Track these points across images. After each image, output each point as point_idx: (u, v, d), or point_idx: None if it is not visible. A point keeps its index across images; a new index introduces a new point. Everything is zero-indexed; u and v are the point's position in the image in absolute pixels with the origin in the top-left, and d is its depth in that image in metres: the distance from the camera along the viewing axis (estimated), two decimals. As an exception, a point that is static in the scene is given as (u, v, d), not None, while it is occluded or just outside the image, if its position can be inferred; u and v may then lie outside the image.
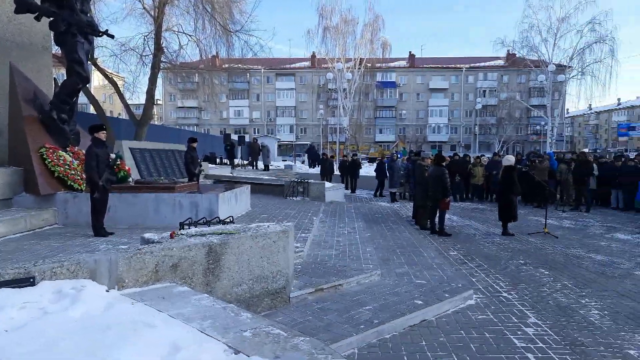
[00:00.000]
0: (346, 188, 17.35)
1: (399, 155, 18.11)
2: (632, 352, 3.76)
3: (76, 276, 2.93)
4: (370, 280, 5.40)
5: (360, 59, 37.87)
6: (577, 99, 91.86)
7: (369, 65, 39.16)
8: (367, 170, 24.95)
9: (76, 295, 2.63)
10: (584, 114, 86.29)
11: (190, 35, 18.79)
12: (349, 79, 33.87)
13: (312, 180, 14.33)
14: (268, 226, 4.55)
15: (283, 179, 14.73)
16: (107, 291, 2.89)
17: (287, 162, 32.62)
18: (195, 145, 10.96)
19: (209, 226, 5.05)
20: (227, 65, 22.64)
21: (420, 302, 4.66)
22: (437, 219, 9.18)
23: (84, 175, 7.77)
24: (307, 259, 6.13)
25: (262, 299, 4.19)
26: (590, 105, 54.34)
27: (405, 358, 3.58)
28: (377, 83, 53.90)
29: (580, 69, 31.84)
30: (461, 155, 18.48)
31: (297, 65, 65.95)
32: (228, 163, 22.25)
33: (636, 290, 5.51)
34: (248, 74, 62.08)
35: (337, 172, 20.06)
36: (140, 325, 2.35)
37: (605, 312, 4.73)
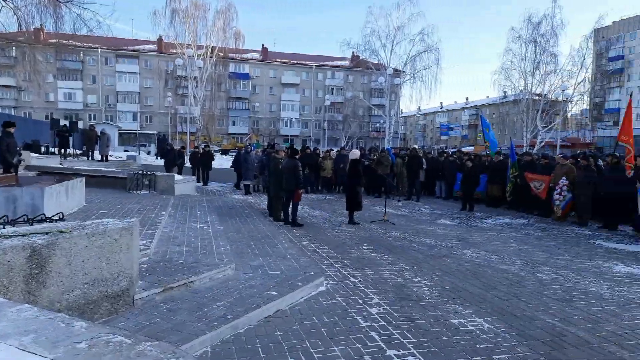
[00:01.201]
0: (198, 181, 16.70)
1: (252, 148, 18.09)
2: (453, 321, 4.34)
3: None
4: (224, 274, 5.26)
5: (212, 47, 36.71)
6: (410, 101, 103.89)
7: (221, 54, 38.22)
8: (220, 162, 24.39)
9: None
10: (415, 115, 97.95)
11: (4, 0, 15.80)
12: (200, 66, 32.52)
13: (159, 173, 13.42)
14: (108, 223, 4.06)
15: (126, 171, 13.48)
16: None
17: (129, 153, 29.95)
18: (12, 130, 9.31)
19: (32, 225, 4.31)
20: (54, 41, 19.67)
21: (274, 292, 4.69)
22: (290, 210, 9.40)
23: None
24: (154, 257, 5.69)
25: (101, 304, 3.74)
26: (419, 107, 61.91)
27: (260, 350, 3.56)
28: (230, 73, 53.02)
29: (412, 74, 35.91)
30: (312, 149, 19.27)
31: (142, 47, 60.93)
32: (57, 152, 19.42)
33: (455, 267, 6.42)
34: (82, 53, 55.24)
35: (187, 164, 19.15)
36: None
37: (433, 288, 5.40)
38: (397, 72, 36.83)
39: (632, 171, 9.39)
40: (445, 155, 16.60)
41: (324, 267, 6.18)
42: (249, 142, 35.70)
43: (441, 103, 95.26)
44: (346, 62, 65.01)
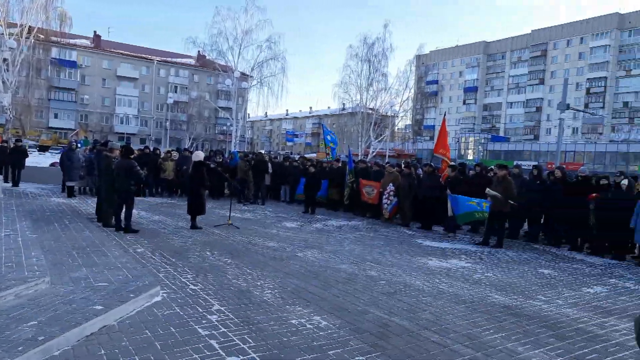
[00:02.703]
0: (5, 181, 14.11)
1: (79, 145, 16.04)
2: (293, 321, 4.43)
3: None
4: (36, 290, 4.49)
5: (30, 27, 31.52)
6: (257, 106, 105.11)
7: (41, 36, 33.05)
8: (37, 160, 21.06)
9: None
10: (262, 120, 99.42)
11: None
12: (12, 47, 27.61)
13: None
14: None
15: None
16: None
17: None
18: None
19: None
20: None
21: (100, 307, 4.16)
22: (123, 215, 8.54)
23: None
24: (-64, 273, 4.56)
25: None
26: (266, 113, 63.04)
27: (80, 375, 3.10)
28: (52, 59, 46.33)
29: (259, 80, 36.31)
30: (151, 149, 17.95)
31: None
32: None
33: (297, 269, 6.61)
34: None
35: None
36: None
37: (276, 290, 5.45)
38: (244, 76, 36.85)
39: (445, 180, 10.98)
40: (289, 160, 17.13)
41: (160, 275, 5.74)
42: (75, 138, 31.66)
43: (287, 110, 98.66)
44: (192, 61, 62.61)
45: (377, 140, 37.11)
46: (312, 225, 11.09)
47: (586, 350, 4.16)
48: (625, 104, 61.72)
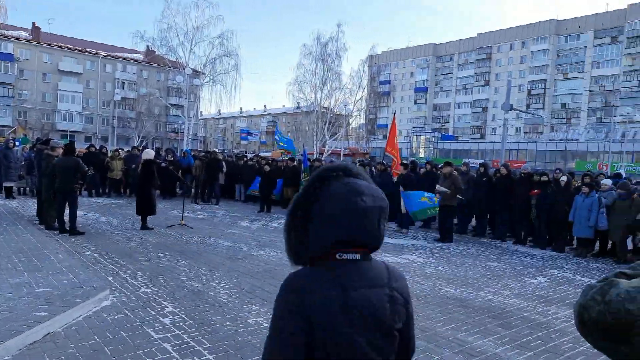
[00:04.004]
0: None
1: (17, 143, 15.10)
2: (250, 320, 4.39)
3: None
4: (-29, 298, 4.18)
5: (-39, 16, 29.30)
6: (210, 104, 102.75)
7: (-26, 27, 30.82)
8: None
9: None
10: (215, 118, 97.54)
11: None
12: (-59, 38, 25.56)
13: None
14: None
15: None
16: None
17: None
18: None
19: None
20: None
21: (44, 313, 3.94)
22: (68, 217, 8.13)
23: None
24: None
25: None
26: (219, 110, 61.80)
27: (22, 386, 2.93)
28: (-13, 52, 43.36)
29: (211, 77, 35.54)
30: (98, 147, 17.17)
31: None
32: None
33: (253, 268, 6.55)
34: None
35: None
36: None
37: (232, 290, 5.38)
38: (196, 73, 35.98)
39: (397, 177, 11.23)
40: (245, 159, 16.92)
41: (109, 279, 5.52)
42: (13, 135, 29.77)
43: (241, 108, 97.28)
44: (140, 56, 60.34)
45: (332, 139, 37.38)
46: (267, 224, 11.02)
47: (530, 337, 4.40)
48: (563, 105, 65.64)
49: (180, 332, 3.99)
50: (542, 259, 8.52)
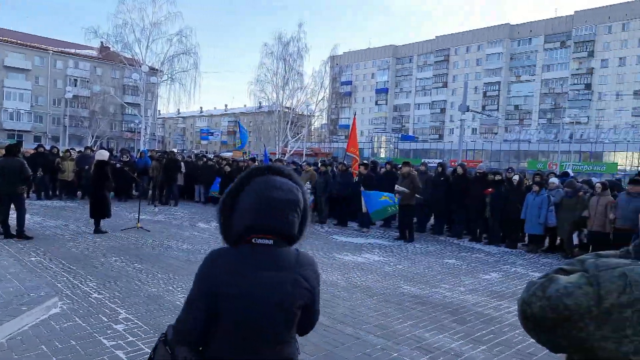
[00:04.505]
0: None
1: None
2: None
3: None
4: None
5: None
6: (168, 103, 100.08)
7: None
8: None
9: None
10: (174, 117, 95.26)
11: None
12: None
13: None
14: None
15: None
16: None
17: None
18: None
19: None
20: None
21: (-15, 324, 3.72)
22: (16, 221, 7.70)
23: None
24: None
25: None
26: (178, 110, 60.36)
27: (-41, 403, 2.75)
28: None
29: (170, 75, 34.64)
30: (48, 147, 16.39)
31: None
32: None
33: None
34: None
35: None
36: None
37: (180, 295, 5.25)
38: (153, 71, 34.95)
39: (357, 177, 11.35)
40: (204, 159, 16.60)
41: (59, 285, 5.27)
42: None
43: (201, 108, 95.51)
44: (94, 52, 57.99)
45: (294, 140, 37.32)
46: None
47: (484, 332, 4.55)
48: (516, 106, 68.43)
49: (134, 339, 3.87)
50: (496, 256, 8.84)
